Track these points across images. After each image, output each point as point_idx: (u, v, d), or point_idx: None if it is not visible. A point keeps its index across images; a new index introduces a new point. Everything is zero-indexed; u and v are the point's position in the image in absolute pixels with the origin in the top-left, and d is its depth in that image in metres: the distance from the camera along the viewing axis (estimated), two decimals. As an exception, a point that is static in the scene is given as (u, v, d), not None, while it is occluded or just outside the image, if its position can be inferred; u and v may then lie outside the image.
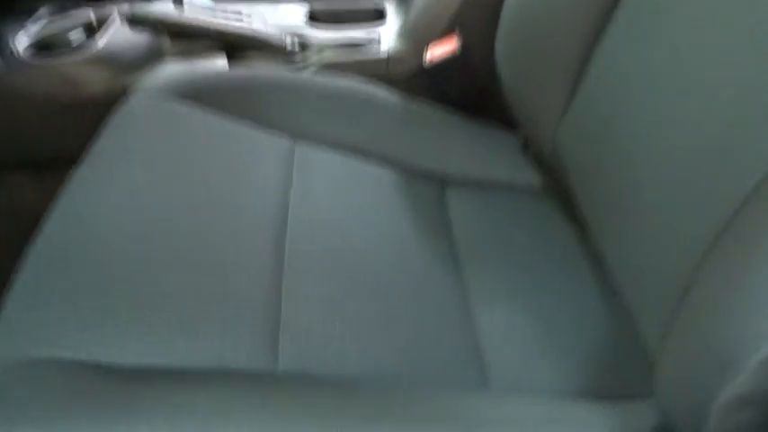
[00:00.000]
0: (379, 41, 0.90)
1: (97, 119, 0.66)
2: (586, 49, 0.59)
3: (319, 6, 0.97)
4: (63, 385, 0.40)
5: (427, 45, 0.86)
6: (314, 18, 0.95)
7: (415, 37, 0.87)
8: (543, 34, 0.66)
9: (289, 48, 0.88)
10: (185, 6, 0.93)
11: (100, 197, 0.54)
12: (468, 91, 0.85)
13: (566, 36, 0.61)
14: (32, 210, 0.92)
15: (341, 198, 0.62)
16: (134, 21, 0.90)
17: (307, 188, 0.62)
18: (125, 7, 0.92)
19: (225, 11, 0.93)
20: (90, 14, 0.90)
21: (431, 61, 0.86)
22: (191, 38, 0.89)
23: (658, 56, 0.49)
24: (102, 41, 0.87)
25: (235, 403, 0.40)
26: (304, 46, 0.89)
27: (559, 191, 0.70)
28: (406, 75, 0.87)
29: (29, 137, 0.89)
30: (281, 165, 0.64)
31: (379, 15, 0.96)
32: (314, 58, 0.87)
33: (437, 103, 0.81)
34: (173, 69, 0.85)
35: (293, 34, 0.90)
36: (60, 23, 0.89)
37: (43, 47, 0.86)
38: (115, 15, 0.91)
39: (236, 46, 0.89)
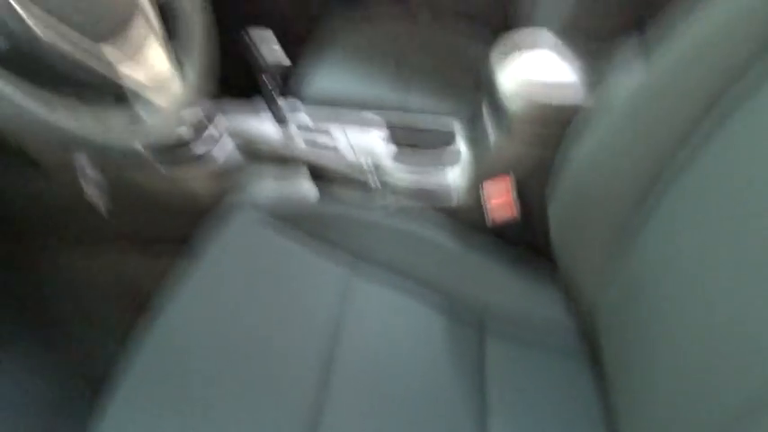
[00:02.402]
0: (449, 189, 0.94)
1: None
2: (632, 229, 0.60)
3: (398, 127, 1.05)
4: None
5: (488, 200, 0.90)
6: (392, 139, 1.04)
7: (476, 194, 0.91)
8: (593, 201, 0.67)
9: (371, 185, 0.97)
10: (288, 125, 0.99)
11: (195, 314, 0.66)
12: (526, 234, 0.89)
13: (614, 208, 0.63)
14: (136, 278, 1.02)
15: (387, 338, 0.70)
16: (236, 136, 0.95)
17: (356, 325, 0.71)
18: (225, 120, 0.97)
19: (318, 129, 1.01)
20: (199, 112, 0.91)
21: (494, 222, 0.89)
22: (285, 162, 0.96)
23: (707, 241, 0.50)
24: (220, 155, 0.92)
25: None
26: (384, 184, 0.97)
27: (591, 347, 0.73)
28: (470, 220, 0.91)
29: (141, 220, 0.98)
30: (336, 299, 0.73)
31: (449, 138, 1.05)
32: (391, 198, 0.95)
33: (494, 235, 0.88)
34: (265, 187, 0.93)
35: (375, 169, 0.98)
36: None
37: (162, 148, 0.88)
38: (221, 123, 0.95)
39: (326, 175, 0.97)
